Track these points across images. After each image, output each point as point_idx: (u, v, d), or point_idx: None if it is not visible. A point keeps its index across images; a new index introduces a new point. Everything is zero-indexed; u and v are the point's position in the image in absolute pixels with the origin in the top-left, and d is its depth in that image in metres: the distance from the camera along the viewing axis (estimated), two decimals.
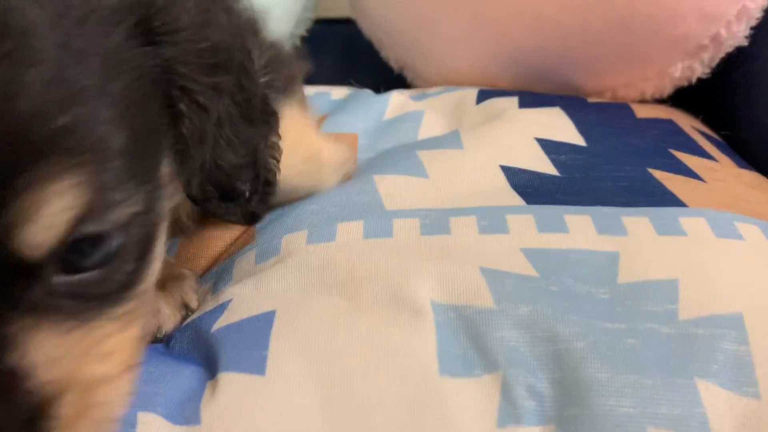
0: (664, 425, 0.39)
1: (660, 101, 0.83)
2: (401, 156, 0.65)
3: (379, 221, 0.54)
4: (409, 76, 0.97)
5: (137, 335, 0.39)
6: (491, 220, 0.53)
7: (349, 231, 0.53)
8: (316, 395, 0.40)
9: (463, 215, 0.54)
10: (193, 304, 0.52)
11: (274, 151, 0.53)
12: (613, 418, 0.40)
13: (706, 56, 0.78)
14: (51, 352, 0.34)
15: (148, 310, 0.42)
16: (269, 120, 0.52)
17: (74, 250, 0.34)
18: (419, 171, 0.61)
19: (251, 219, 0.52)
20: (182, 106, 0.43)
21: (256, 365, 0.41)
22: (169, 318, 0.50)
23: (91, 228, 0.34)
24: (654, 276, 0.48)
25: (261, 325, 0.45)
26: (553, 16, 0.79)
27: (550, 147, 0.64)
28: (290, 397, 0.40)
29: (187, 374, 0.43)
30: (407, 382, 0.41)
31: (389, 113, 0.80)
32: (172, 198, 0.45)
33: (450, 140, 0.67)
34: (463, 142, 0.66)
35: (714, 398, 0.41)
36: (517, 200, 0.56)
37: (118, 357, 0.37)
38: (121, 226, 0.36)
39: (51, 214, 0.32)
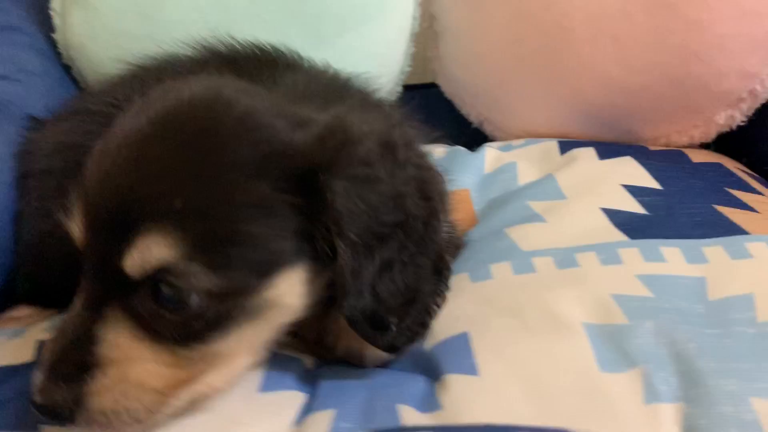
0: (763, 395, 0.56)
1: (705, 145, 1.01)
2: (516, 207, 0.84)
3: (521, 260, 0.72)
4: (488, 129, 1.15)
5: (177, 379, 0.53)
6: (607, 254, 0.71)
7: (502, 270, 0.71)
8: (518, 388, 0.57)
9: (585, 251, 0.72)
10: None
11: (440, 299, 0.60)
12: (724, 394, 0.56)
13: (744, 106, 0.97)
14: (118, 340, 0.52)
15: (200, 371, 0.54)
16: (442, 274, 0.60)
17: (158, 286, 0.51)
18: (538, 218, 0.80)
19: (391, 350, 0.58)
20: (340, 247, 0.52)
21: (471, 369, 0.59)
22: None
23: (168, 279, 0.50)
24: (734, 292, 0.65)
25: (461, 342, 0.62)
26: (620, 77, 0.98)
27: (635, 191, 0.82)
28: (501, 389, 0.57)
29: (420, 379, 0.61)
30: (579, 377, 0.58)
31: (488, 167, 0.98)
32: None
33: (552, 191, 0.86)
34: (563, 192, 0.85)
35: None
36: (622, 236, 0.74)
37: (154, 384, 0.52)
38: (196, 292, 0.50)
39: (139, 256, 0.50)
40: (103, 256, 0.51)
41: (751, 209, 0.80)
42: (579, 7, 0.98)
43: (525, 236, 0.76)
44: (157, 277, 0.51)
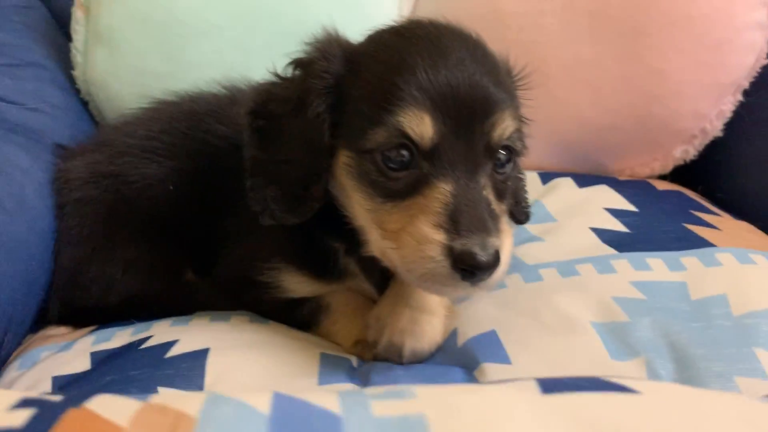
0: (745, 374, 0.68)
1: (662, 176, 1.16)
2: (514, 231, 0.94)
3: (529, 272, 0.82)
4: None
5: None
6: (602, 265, 0.82)
7: (514, 280, 0.81)
8: (546, 373, 0.67)
9: (582, 263, 0.83)
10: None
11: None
12: (713, 374, 0.68)
13: (696, 142, 1.12)
14: (494, 201, 0.67)
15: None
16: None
17: (501, 150, 0.68)
18: (536, 239, 0.91)
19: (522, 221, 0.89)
20: None
21: (504, 359, 0.69)
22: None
23: (509, 142, 0.69)
24: (711, 293, 0.77)
25: (491, 338, 0.72)
26: (592, 117, 1.12)
27: (616, 213, 0.95)
28: (532, 374, 0.66)
29: (458, 370, 0.70)
30: (595, 364, 0.68)
31: None
32: None
33: (543, 215, 0.97)
34: (553, 216, 0.96)
35: (765, 357, 0.70)
36: (611, 250, 0.86)
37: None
38: (516, 151, 0.71)
39: (502, 130, 0.67)
40: (473, 135, 0.66)
41: (714, 227, 0.94)
42: (556, 55, 1.12)
43: (528, 253, 0.87)
44: (501, 146, 0.69)
